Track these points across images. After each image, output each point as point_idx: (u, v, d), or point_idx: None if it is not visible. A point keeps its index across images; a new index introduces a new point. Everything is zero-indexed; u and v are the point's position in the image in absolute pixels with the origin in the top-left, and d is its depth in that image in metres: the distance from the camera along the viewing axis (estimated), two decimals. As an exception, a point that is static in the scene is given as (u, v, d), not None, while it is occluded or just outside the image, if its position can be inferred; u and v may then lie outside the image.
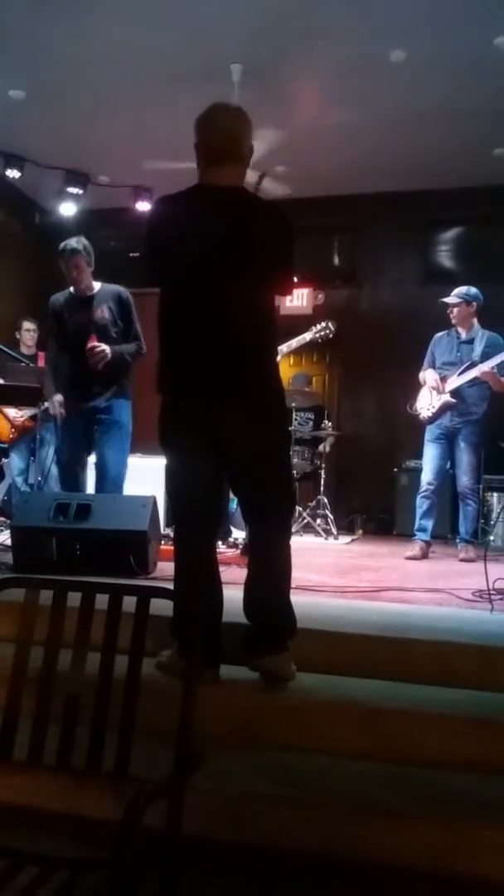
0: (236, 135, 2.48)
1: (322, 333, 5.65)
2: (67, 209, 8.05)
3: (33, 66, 6.02)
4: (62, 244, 4.35)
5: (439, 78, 5.91)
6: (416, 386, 5.47)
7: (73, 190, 7.77)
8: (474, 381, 5.16)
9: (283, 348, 5.52)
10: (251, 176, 2.63)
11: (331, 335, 5.66)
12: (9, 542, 3.94)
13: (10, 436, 6.03)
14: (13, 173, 7.36)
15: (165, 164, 6.40)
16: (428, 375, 5.36)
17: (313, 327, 5.69)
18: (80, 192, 7.80)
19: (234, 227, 2.37)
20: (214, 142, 2.47)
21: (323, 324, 5.69)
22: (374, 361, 8.03)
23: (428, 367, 5.42)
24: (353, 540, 6.98)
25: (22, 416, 5.91)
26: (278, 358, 5.30)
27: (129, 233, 8.39)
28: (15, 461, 6.01)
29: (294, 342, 5.59)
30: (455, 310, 5.31)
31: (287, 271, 2.54)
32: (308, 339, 5.65)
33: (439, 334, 5.48)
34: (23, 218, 8.74)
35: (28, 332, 6.52)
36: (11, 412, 5.96)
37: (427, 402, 5.31)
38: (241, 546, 4.69)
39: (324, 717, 2.27)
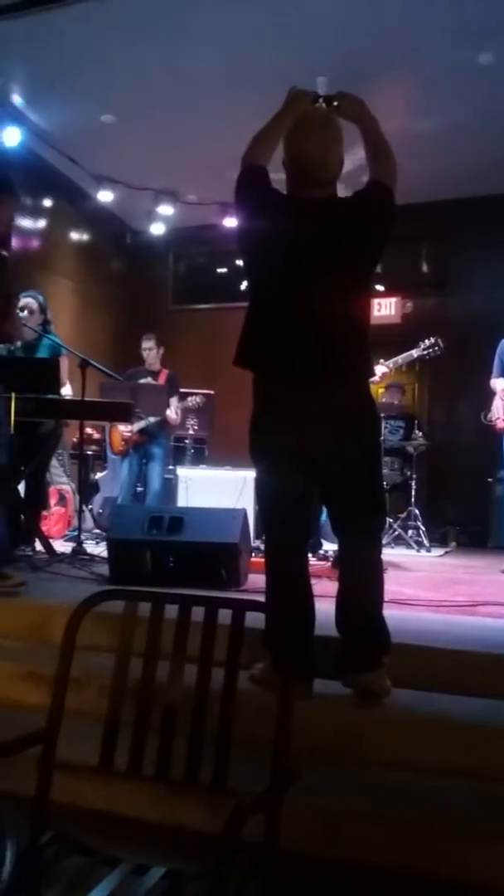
0: (324, 161, 2.43)
1: (430, 351, 5.53)
2: (157, 228, 8.23)
3: (123, 91, 6.19)
4: None
5: (528, 78, 5.76)
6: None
7: (162, 210, 7.92)
8: None
9: (390, 364, 5.44)
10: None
11: (440, 352, 5.55)
12: (105, 553, 4.05)
13: (121, 447, 6.31)
14: (105, 195, 7.59)
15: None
16: (499, 383, 5.16)
17: (421, 343, 5.56)
18: (171, 211, 7.94)
19: (324, 237, 2.35)
20: (301, 171, 2.45)
21: (431, 340, 5.54)
22: (465, 369, 7.83)
23: (499, 374, 5.20)
24: (446, 552, 6.83)
25: (131, 431, 6.15)
26: (385, 370, 5.28)
27: (217, 249, 8.53)
28: (125, 473, 6.24)
29: (400, 359, 5.48)
30: None
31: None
32: (416, 355, 5.53)
33: None
34: (114, 239, 9.00)
35: (150, 350, 6.45)
36: (121, 426, 6.21)
37: (502, 412, 5.13)
38: (331, 558, 4.66)
39: (420, 734, 2.23)
